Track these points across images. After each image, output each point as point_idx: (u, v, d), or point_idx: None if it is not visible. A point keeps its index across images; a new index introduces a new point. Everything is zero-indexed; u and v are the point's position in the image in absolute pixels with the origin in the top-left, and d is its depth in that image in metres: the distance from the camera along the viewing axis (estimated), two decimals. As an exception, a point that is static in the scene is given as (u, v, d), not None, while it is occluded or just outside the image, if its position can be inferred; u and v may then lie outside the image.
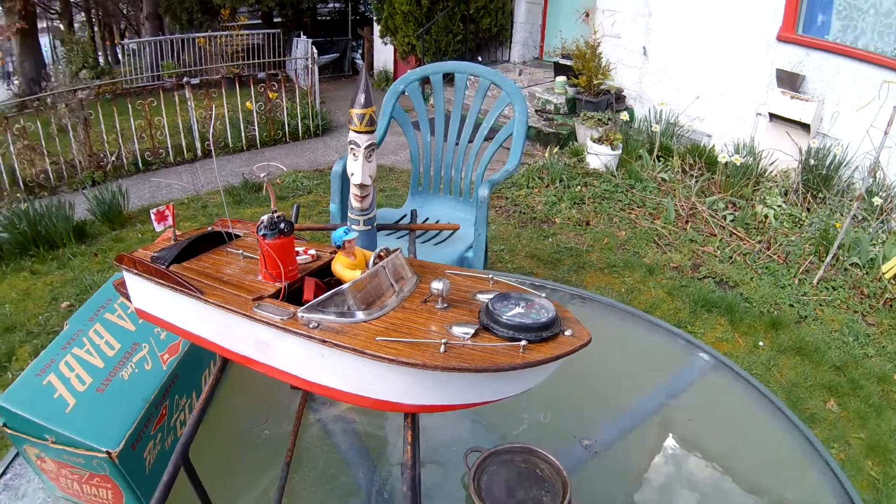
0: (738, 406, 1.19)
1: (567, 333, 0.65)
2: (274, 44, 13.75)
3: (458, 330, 0.64)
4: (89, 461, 0.88)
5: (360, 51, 14.08)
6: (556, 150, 6.10)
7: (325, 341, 0.65)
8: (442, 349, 0.61)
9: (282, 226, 0.74)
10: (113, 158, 7.69)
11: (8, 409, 0.90)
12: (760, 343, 3.47)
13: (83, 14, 26.56)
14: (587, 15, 7.43)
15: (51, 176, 7.52)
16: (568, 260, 4.20)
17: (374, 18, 10.78)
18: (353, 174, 0.94)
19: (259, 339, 0.71)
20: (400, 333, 0.65)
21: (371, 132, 0.91)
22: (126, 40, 16.75)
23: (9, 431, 0.91)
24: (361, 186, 0.95)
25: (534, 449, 0.97)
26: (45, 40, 25.91)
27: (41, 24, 26.12)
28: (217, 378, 0.79)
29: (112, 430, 0.88)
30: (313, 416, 1.16)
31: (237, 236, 0.91)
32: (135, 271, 0.80)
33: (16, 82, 17.12)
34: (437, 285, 0.68)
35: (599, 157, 5.58)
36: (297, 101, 8.02)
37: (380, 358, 0.62)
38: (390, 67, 11.61)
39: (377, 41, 11.23)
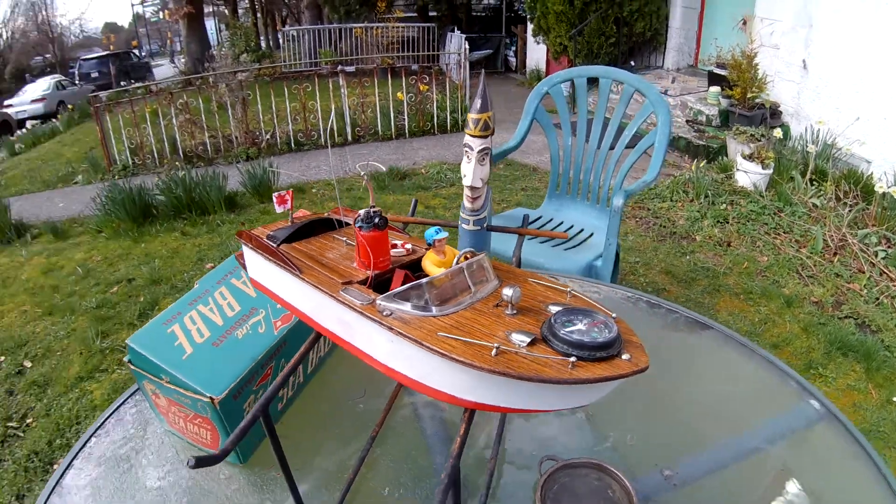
0: (841, 466, 1.08)
1: (624, 357, 0.63)
2: (428, 37, 14.05)
3: (516, 337, 0.65)
4: (195, 403, 0.98)
5: (513, 48, 14.10)
6: (703, 163, 5.85)
7: (391, 329, 0.68)
8: (493, 353, 0.63)
9: (376, 220, 0.79)
10: (267, 137, 8.15)
11: (135, 348, 1.03)
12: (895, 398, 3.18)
13: (247, 1, 28.33)
14: (744, 23, 7.04)
15: (208, 148, 8.10)
16: (703, 280, 4.03)
17: (528, 17, 10.78)
18: (465, 176, 0.96)
19: (343, 319, 0.75)
20: (462, 332, 0.66)
21: (485, 137, 0.93)
22: (287, 27, 17.68)
23: (132, 367, 1.05)
24: (472, 188, 0.97)
25: (609, 469, 0.95)
26: (210, 24, 27.93)
27: (207, 9, 28.14)
28: (307, 349, 0.84)
29: (218, 380, 0.98)
30: (407, 398, 1.19)
31: (347, 224, 0.96)
32: (251, 246, 0.88)
33: (182, 61, 18.48)
34: (507, 292, 0.68)
35: (749, 174, 5.30)
36: (448, 94, 8.15)
37: (434, 351, 0.65)
38: (542, 67, 11.58)
39: (530, 40, 11.24)
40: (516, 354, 0.63)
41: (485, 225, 1.03)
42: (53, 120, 16.49)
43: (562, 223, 2.90)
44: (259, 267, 0.89)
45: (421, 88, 7.83)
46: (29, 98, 20.94)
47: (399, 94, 7.83)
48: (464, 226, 1.03)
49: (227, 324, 1.09)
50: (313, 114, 8.11)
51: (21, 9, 39.20)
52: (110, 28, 51.12)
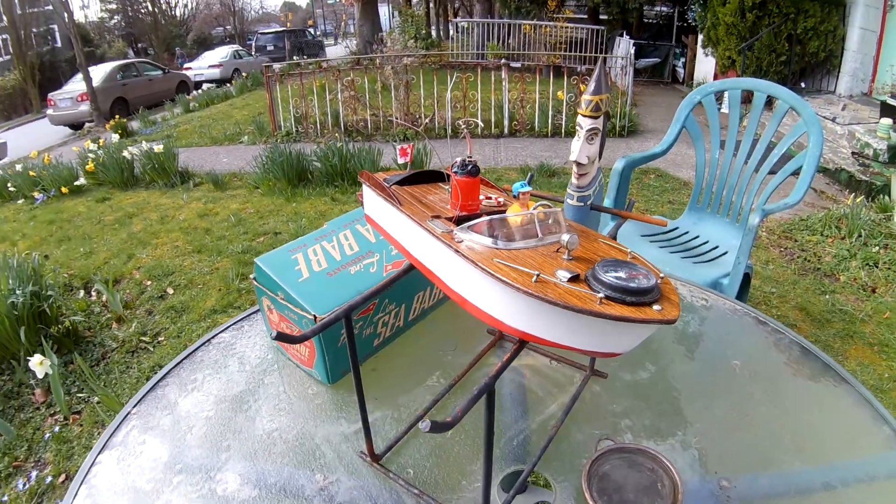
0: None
1: (655, 308, 0.68)
2: (596, 40, 13.88)
3: (560, 273, 0.73)
4: (301, 319, 1.13)
5: (682, 59, 13.63)
6: (861, 199, 5.41)
7: (458, 252, 0.79)
8: (534, 279, 0.71)
9: (469, 167, 0.90)
10: (426, 121, 8.44)
11: (260, 267, 1.20)
12: None
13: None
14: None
15: (368, 125, 8.52)
16: (838, 324, 3.74)
17: (698, 27, 10.44)
18: (572, 151, 1.04)
19: (426, 245, 0.88)
20: (517, 263, 0.75)
21: (595, 118, 1.01)
22: (458, 18, 18.00)
23: (256, 284, 1.22)
24: (577, 164, 1.05)
25: (664, 462, 0.95)
26: (384, 10, 28.81)
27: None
28: (399, 275, 0.97)
29: (324, 303, 1.12)
30: (494, 359, 1.26)
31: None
32: (367, 183, 1.03)
33: (354, 43, 19.25)
34: (565, 237, 0.77)
35: (910, 219, 4.89)
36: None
37: (486, 272, 0.74)
38: (710, 80, 11.17)
39: (699, 51, 10.87)
40: (555, 285, 0.70)
41: (588, 202, 1.09)
42: (227, 85, 17.99)
43: (697, 237, 2.85)
44: (372, 203, 1.03)
45: (581, 89, 7.81)
46: (207, 63, 23.08)
47: (560, 93, 7.88)
48: (568, 201, 1.10)
49: (344, 260, 1.24)
50: (473, 103, 8.33)
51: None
52: (289, 7, 54.02)
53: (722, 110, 7.64)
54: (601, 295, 0.69)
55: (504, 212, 0.90)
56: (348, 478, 0.99)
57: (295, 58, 22.79)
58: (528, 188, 0.91)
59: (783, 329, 1.36)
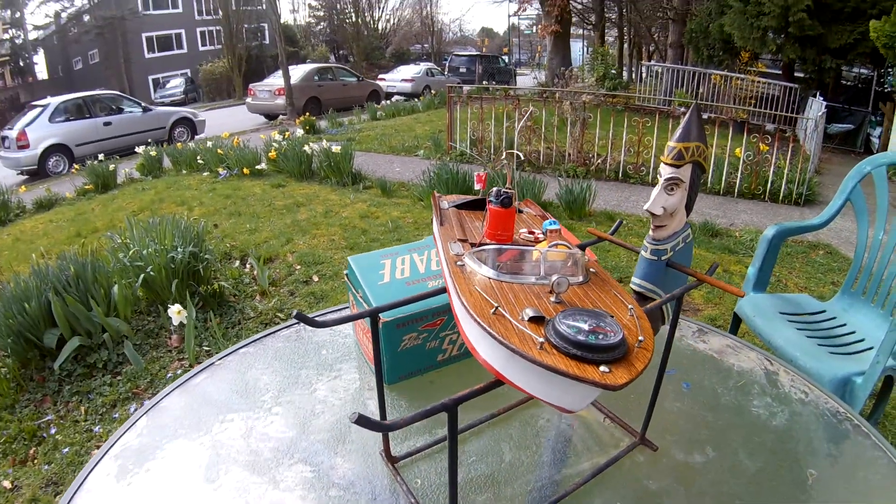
0: None
1: (601, 369, 0.62)
2: (788, 98, 13.16)
3: (527, 311, 0.70)
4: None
5: (879, 129, 12.44)
6: None
7: (451, 273, 0.81)
8: (492, 311, 0.69)
9: (502, 198, 0.90)
10: (598, 161, 8.36)
11: (350, 265, 1.28)
12: None
13: (616, 31, 28.85)
14: None
15: (541, 157, 8.54)
16: None
17: (894, 92, 9.60)
18: (650, 199, 0.96)
19: (443, 264, 0.90)
20: (496, 295, 0.74)
21: (676, 167, 0.92)
22: (650, 62, 17.75)
23: (347, 279, 1.30)
24: (652, 215, 0.97)
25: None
26: (578, 45, 28.98)
27: (577, 31, 29.21)
28: (437, 291, 0.98)
29: (393, 307, 1.12)
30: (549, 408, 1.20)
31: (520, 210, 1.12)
32: (433, 202, 1.08)
33: (543, 74, 19.50)
34: (553, 278, 0.74)
35: None
36: (788, 161, 7.54)
37: (456, 293, 0.76)
38: (907, 153, 10.20)
39: None
40: (508, 320, 0.68)
41: (664, 258, 1.01)
42: (416, 100, 18.69)
43: (844, 325, 2.56)
44: (435, 219, 1.07)
45: (761, 148, 7.41)
46: (400, 77, 24.42)
47: (738, 149, 7.51)
48: (642, 253, 1.03)
49: (427, 273, 1.27)
50: (648, 150, 8.13)
51: (409, 1, 44.43)
52: (486, 33, 55.56)
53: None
54: (542, 340, 0.65)
55: (567, 266, 0.88)
56: (362, 467, 1.03)
57: (484, 82, 23.46)
58: (556, 226, 0.91)
59: (888, 449, 1.13)
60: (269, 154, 8.71)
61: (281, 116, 16.70)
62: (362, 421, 0.60)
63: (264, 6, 25.02)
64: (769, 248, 2.70)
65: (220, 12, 33.33)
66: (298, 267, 4.81)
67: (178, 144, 10.99)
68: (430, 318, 1.18)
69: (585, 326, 0.66)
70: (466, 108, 9.35)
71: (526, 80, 28.79)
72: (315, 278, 4.59)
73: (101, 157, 9.87)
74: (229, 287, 4.30)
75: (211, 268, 4.31)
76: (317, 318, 0.85)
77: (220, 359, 1.33)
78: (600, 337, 0.65)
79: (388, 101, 19.08)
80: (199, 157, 9.41)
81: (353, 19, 40.95)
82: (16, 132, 12.19)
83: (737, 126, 7.68)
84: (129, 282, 3.87)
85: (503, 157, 1.04)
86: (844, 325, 2.57)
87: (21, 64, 37.74)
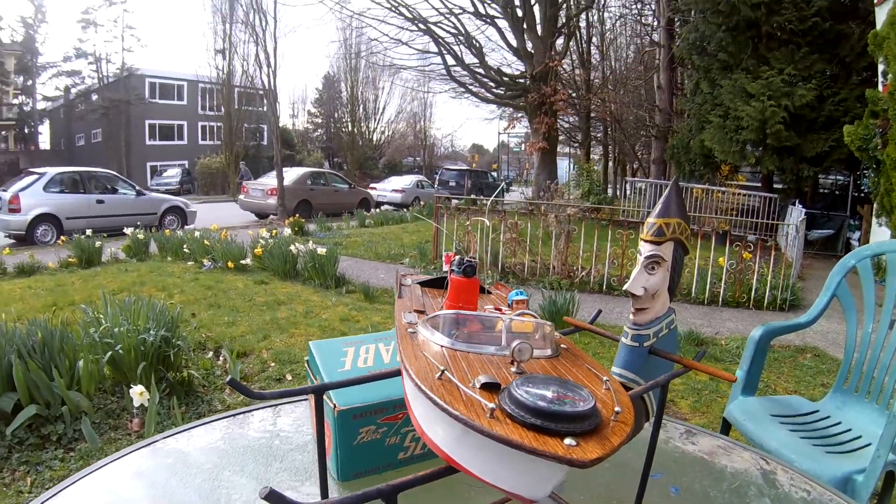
0: None
1: (566, 441, 0.53)
2: (769, 208, 13.54)
3: (480, 377, 0.62)
4: (328, 407, 1.09)
5: (857, 232, 12.76)
6: None
7: (401, 339, 0.76)
8: (437, 375, 0.62)
9: (465, 267, 0.87)
10: (583, 273, 8.40)
11: (311, 350, 1.21)
12: None
13: (601, 148, 29.84)
14: None
15: (525, 269, 8.56)
16: None
17: (871, 194, 9.84)
18: (629, 279, 0.90)
19: (399, 331, 0.83)
20: (448, 363, 0.67)
21: (657, 243, 0.87)
22: (632, 178, 18.29)
23: (307, 365, 1.23)
24: (633, 296, 0.89)
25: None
26: (564, 163, 29.86)
27: (564, 150, 30.21)
28: (384, 374, 0.93)
29: (351, 397, 1.07)
30: None
31: (488, 292, 1.10)
32: (398, 279, 1.08)
33: (530, 190, 20.09)
34: (515, 345, 0.66)
35: None
36: (771, 268, 7.66)
37: (401, 360, 0.69)
38: (886, 254, 10.33)
39: (874, 221, 10.21)
40: (455, 386, 0.61)
41: (646, 344, 0.92)
42: (405, 210, 19.39)
43: (838, 423, 2.48)
44: (396, 294, 1.05)
45: (744, 256, 7.50)
46: (391, 187, 24.98)
47: (721, 258, 7.60)
48: (622, 339, 0.93)
49: (392, 364, 1.19)
50: (632, 261, 8.19)
51: (404, 115, 46.10)
52: (476, 149, 57.23)
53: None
54: (493, 406, 0.56)
55: (534, 338, 0.81)
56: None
57: (472, 196, 23.99)
58: (523, 296, 0.87)
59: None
60: (256, 250, 8.72)
61: (271, 216, 16.91)
62: (273, 497, 0.51)
63: (265, 108, 25.76)
64: (757, 350, 2.64)
65: (223, 109, 34.21)
66: (273, 364, 4.68)
67: (167, 231, 11.00)
68: (390, 411, 1.09)
69: (549, 394, 0.58)
70: (453, 221, 9.46)
71: (515, 196, 29.51)
72: (289, 377, 4.46)
73: (89, 232, 9.80)
74: (199, 377, 4.16)
75: (182, 355, 4.18)
76: (254, 390, 0.78)
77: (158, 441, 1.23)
78: (564, 404, 0.56)
79: (378, 210, 19.38)
80: (185, 246, 9.38)
81: (350, 129, 42.13)
82: (9, 195, 12.23)
83: (719, 237, 7.83)
84: (96, 358, 3.75)
85: (468, 222, 1.00)
86: (839, 423, 2.50)
87: (26, 131, 38.59)
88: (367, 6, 33.56)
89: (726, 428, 2.61)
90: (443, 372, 0.62)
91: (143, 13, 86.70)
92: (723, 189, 14.14)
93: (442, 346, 0.72)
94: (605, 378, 0.68)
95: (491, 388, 0.60)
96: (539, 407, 0.55)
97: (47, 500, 1.02)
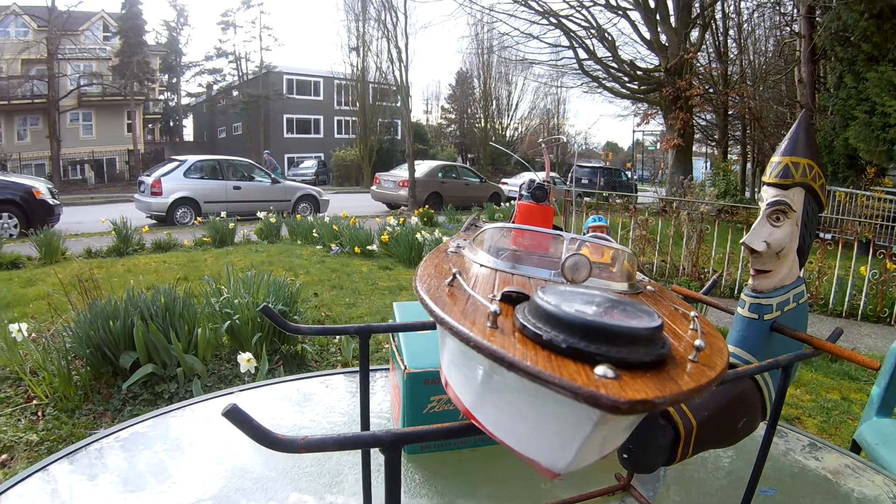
0: None
1: (599, 371, 0.37)
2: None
3: (506, 289, 0.48)
4: (399, 368, 1.03)
5: None
6: None
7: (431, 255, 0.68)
8: (446, 282, 0.51)
9: (534, 190, 0.75)
10: (715, 276, 7.99)
11: (395, 310, 1.19)
12: None
13: (739, 148, 28.39)
14: None
15: (654, 268, 8.26)
16: None
17: None
18: (750, 231, 0.76)
19: (438, 253, 0.75)
20: (486, 284, 0.54)
21: (781, 186, 0.72)
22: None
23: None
24: (752, 252, 0.75)
25: None
26: (700, 163, 28.64)
27: (701, 150, 28.94)
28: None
29: (423, 361, 1.00)
30: None
31: None
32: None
33: (664, 190, 19.39)
34: (567, 258, 0.53)
35: None
36: None
37: (423, 267, 0.60)
38: None
39: None
40: (464, 293, 0.49)
41: (767, 317, 0.75)
42: None
43: None
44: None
45: (888, 267, 6.81)
46: (520, 182, 24.56)
47: (863, 268, 6.97)
48: (738, 310, 0.78)
49: None
50: (763, 266, 7.71)
51: (537, 111, 45.73)
52: (611, 147, 55.94)
53: None
54: (495, 309, 0.43)
55: (609, 270, 0.69)
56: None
57: (604, 194, 23.54)
58: (602, 222, 0.77)
59: None
60: (382, 237, 8.88)
61: (402, 207, 17.20)
62: (236, 415, 0.42)
63: (398, 103, 26.31)
64: None
65: (358, 104, 35.21)
66: (386, 346, 4.70)
67: (298, 216, 11.40)
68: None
69: (589, 308, 0.42)
70: (582, 217, 9.26)
71: (647, 197, 28.81)
72: (405, 358, 4.47)
73: (223, 214, 10.33)
74: (312, 352, 4.23)
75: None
76: (291, 323, 0.73)
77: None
78: (614, 318, 0.41)
79: (508, 204, 19.35)
80: (315, 231, 9.72)
81: (483, 124, 42.24)
82: (152, 179, 13.15)
83: (861, 246, 7.14)
84: (214, 326, 3.89)
85: (540, 141, 0.86)
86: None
87: (171, 124, 42.08)
88: (497, 0, 33.58)
89: (856, 451, 2.26)
90: (454, 276, 0.51)
91: (280, 14, 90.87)
92: (868, 193, 13.06)
93: (482, 266, 0.59)
94: (692, 314, 0.52)
95: (517, 300, 0.47)
96: (564, 316, 0.40)
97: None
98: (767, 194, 0.75)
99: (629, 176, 33.09)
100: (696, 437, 0.65)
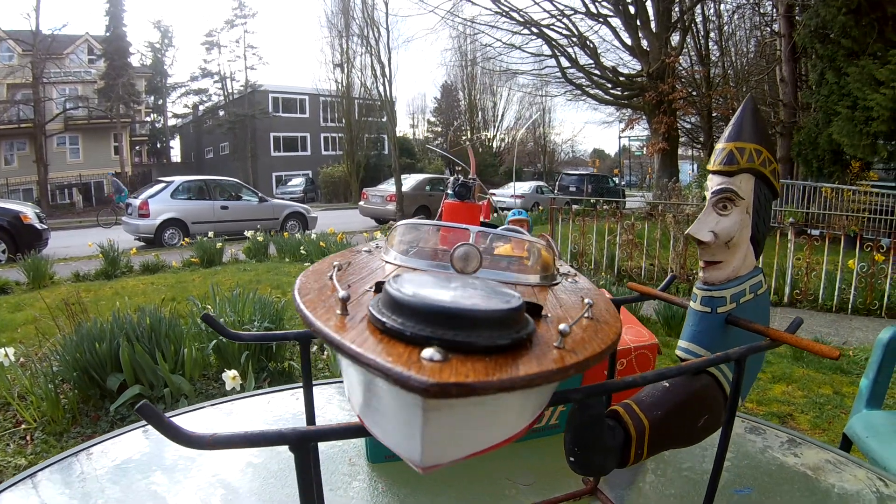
0: None
1: (426, 354, 0.37)
2: (904, 207, 12.47)
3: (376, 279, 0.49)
4: None
5: None
6: None
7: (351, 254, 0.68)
8: (328, 276, 0.51)
9: (458, 188, 0.75)
10: (672, 274, 8.01)
11: None
12: None
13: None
14: None
15: (643, 273, 8.26)
16: None
17: None
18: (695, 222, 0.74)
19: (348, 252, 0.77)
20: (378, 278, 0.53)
21: (726, 174, 0.70)
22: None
23: None
24: (699, 243, 0.73)
25: None
26: (687, 166, 28.80)
27: (688, 153, 29.06)
28: None
29: None
30: None
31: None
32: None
33: (650, 195, 19.43)
34: (456, 248, 0.53)
35: None
36: None
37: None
38: None
39: None
40: (333, 286, 0.49)
41: (719, 309, 0.73)
42: None
43: None
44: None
45: (876, 259, 6.82)
46: (510, 193, 24.98)
47: (851, 262, 6.98)
48: (691, 303, 0.76)
49: None
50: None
51: (523, 122, 46.00)
52: (598, 154, 56.16)
53: None
54: (344, 294, 0.44)
55: (521, 262, 0.69)
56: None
57: (591, 201, 23.70)
58: (522, 216, 0.73)
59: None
60: (369, 252, 8.89)
61: (391, 221, 17.29)
62: (147, 411, 0.42)
63: (384, 118, 26.44)
64: (885, 355, 2.31)
65: (344, 121, 35.30)
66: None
67: (285, 234, 11.39)
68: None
69: (445, 292, 0.42)
70: (568, 223, 9.29)
71: (636, 202, 28.92)
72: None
73: (211, 234, 10.36)
74: (299, 368, 4.21)
75: (285, 347, 4.26)
76: (230, 330, 0.72)
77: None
78: (453, 301, 0.40)
79: (496, 214, 19.43)
80: (302, 248, 9.73)
81: (469, 136, 42.39)
82: (139, 201, 13.13)
83: (849, 240, 7.17)
84: (201, 346, 3.89)
85: (464, 139, 0.84)
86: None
87: (158, 145, 42.05)
88: (478, 12, 33.74)
89: (847, 445, 2.29)
90: (337, 269, 0.51)
91: (264, 33, 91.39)
92: (853, 188, 13.14)
93: (388, 263, 0.60)
94: (587, 301, 0.51)
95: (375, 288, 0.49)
96: (402, 299, 0.40)
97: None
98: (713, 182, 0.73)
99: (616, 182, 33.25)
100: (650, 438, 0.64)
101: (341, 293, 0.44)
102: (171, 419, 0.42)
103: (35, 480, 0.98)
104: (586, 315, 0.50)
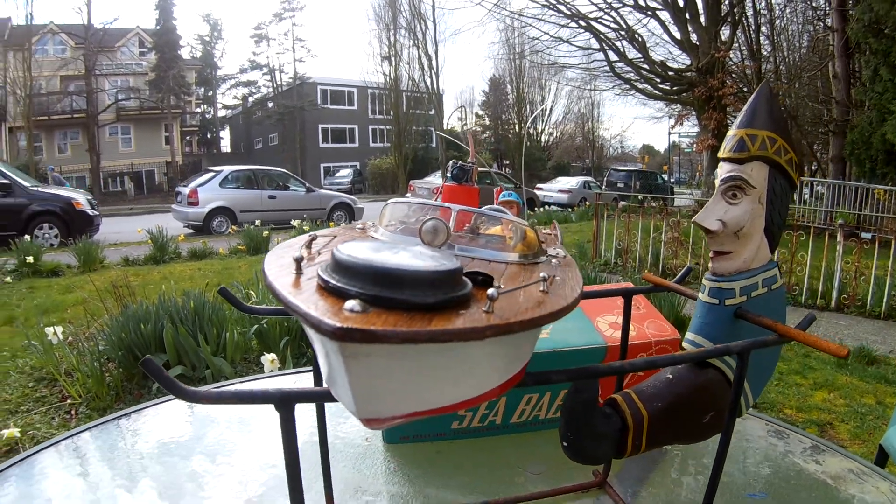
0: None
1: (348, 305, 0.40)
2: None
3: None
4: None
5: None
6: None
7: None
8: (300, 248, 0.53)
9: (455, 172, 0.78)
10: (688, 266, 7.86)
11: None
12: None
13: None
14: None
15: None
16: None
17: None
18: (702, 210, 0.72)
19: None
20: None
21: (736, 161, 0.69)
22: (810, 178, 16.94)
23: None
24: (706, 232, 0.72)
25: None
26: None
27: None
28: None
29: None
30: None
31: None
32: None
33: (701, 192, 19.13)
34: (427, 225, 0.56)
35: None
36: None
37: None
38: None
39: None
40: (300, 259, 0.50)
41: (728, 301, 0.71)
42: (569, 210, 19.44)
43: None
44: None
45: None
46: (557, 188, 25.07)
47: (905, 266, 6.75)
48: (700, 294, 0.75)
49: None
50: (801, 267, 7.54)
51: (572, 116, 45.62)
52: (647, 150, 55.31)
53: None
54: (297, 256, 0.48)
55: (503, 242, 0.70)
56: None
57: (640, 197, 23.46)
58: (513, 197, 0.74)
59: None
60: (414, 241, 8.96)
61: (417, 208, 17.37)
62: (149, 366, 0.46)
63: (432, 111, 26.42)
64: None
65: (392, 113, 35.48)
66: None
67: (332, 224, 11.48)
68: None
69: (373, 255, 0.44)
70: (614, 220, 9.22)
71: (685, 201, 28.51)
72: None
73: (258, 223, 10.54)
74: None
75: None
76: (245, 304, 0.75)
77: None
78: (385, 261, 0.43)
79: (542, 209, 19.54)
80: (346, 239, 9.81)
81: (517, 130, 42.18)
82: (188, 190, 13.47)
83: (894, 242, 6.94)
84: (243, 330, 3.97)
85: (466, 127, 0.86)
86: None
87: (208, 136, 43.21)
88: (525, 5, 33.51)
89: (882, 458, 2.11)
90: (310, 241, 0.55)
91: (312, 25, 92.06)
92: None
93: (374, 240, 0.63)
94: (542, 275, 0.52)
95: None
96: (339, 258, 0.44)
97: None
98: (722, 170, 0.72)
99: (665, 179, 32.80)
100: (649, 430, 0.64)
101: (295, 254, 0.48)
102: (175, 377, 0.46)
103: (77, 440, 1.04)
104: (539, 287, 0.52)
